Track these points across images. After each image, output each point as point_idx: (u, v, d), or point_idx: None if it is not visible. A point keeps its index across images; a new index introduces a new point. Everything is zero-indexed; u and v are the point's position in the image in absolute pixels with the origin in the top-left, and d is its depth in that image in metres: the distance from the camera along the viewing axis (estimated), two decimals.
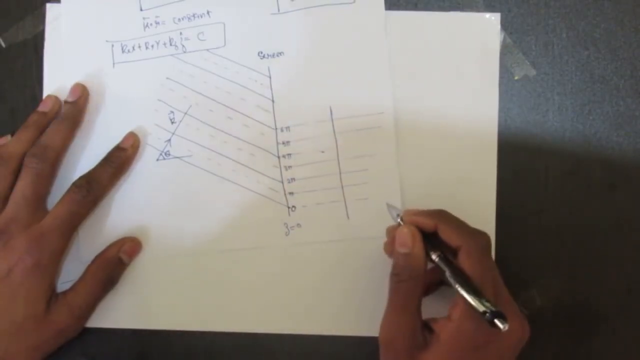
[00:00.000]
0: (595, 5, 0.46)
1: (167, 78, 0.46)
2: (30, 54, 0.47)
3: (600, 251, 0.45)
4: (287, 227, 0.45)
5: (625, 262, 0.45)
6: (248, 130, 0.46)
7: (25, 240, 0.41)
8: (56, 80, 0.46)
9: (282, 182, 0.45)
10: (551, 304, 0.45)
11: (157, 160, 0.46)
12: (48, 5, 0.47)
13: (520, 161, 0.46)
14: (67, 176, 0.45)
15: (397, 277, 0.39)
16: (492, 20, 0.46)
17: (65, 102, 0.45)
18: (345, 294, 0.45)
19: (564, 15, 0.46)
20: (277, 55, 0.46)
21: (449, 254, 0.39)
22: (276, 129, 0.46)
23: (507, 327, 0.34)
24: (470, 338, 0.37)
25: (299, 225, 0.45)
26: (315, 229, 0.45)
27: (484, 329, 0.36)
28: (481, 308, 0.35)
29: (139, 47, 0.46)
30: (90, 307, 0.44)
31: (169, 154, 0.46)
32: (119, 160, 0.44)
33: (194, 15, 0.46)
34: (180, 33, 0.46)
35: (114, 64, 0.46)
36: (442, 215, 0.40)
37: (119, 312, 0.45)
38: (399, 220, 0.40)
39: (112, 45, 0.46)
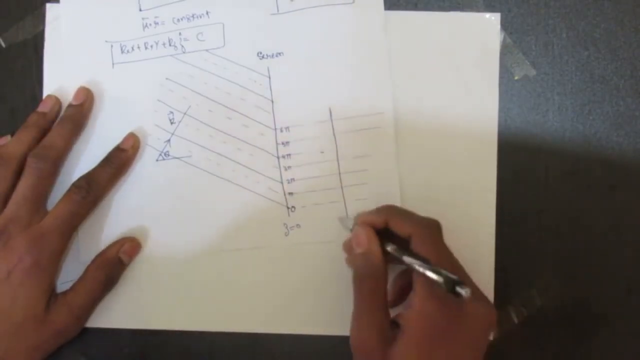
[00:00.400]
0: (595, 5, 0.46)
1: (167, 78, 0.46)
2: (30, 54, 0.47)
3: (600, 251, 0.45)
4: (286, 227, 0.45)
5: (625, 262, 0.45)
6: (247, 130, 0.46)
7: (25, 241, 0.41)
8: (56, 80, 0.46)
9: (282, 183, 0.45)
10: (551, 304, 0.45)
11: (157, 160, 0.46)
12: (48, 5, 0.47)
13: (520, 161, 0.45)
14: (67, 176, 0.45)
15: (359, 277, 0.39)
16: (492, 20, 0.46)
17: (69, 105, 0.45)
18: (345, 294, 0.45)
19: (564, 15, 0.46)
20: (277, 56, 0.46)
21: (404, 246, 0.39)
22: (276, 129, 0.46)
23: (469, 293, 0.34)
24: (435, 322, 0.36)
25: (298, 225, 0.45)
26: (315, 229, 0.45)
27: (447, 310, 0.36)
28: (440, 278, 0.35)
29: (138, 47, 0.46)
30: (90, 307, 0.44)
31: (169, 155, 0.46)
32: (119, 160, 0.44)
33: (193, 16, 0.46)
34: (180, 33, 0.46)
35: (113, 64, 0.46)
36: (390, 209, 0.41)
37: (118, 312, 0.45)
38: (350, 227, 0.41)
39: (112, 46, 0.46)
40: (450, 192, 0.45)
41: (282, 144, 0.45)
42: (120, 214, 0.45)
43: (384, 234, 0.40)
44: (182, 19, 0.46)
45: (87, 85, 0.46)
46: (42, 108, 0.45)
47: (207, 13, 0.46)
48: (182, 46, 0.46)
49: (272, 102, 0.46)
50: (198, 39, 0.46)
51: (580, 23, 0.46)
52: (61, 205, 0.42)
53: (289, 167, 0.45)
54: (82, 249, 0.45)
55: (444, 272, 0.35)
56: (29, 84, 0.47)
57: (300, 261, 0.45)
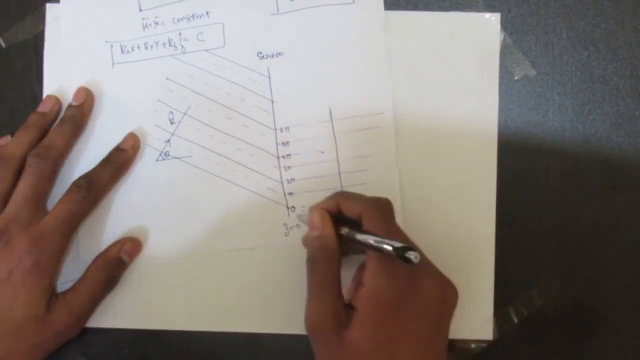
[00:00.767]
0: (595, 5, 0.46)
1: (167, 78, 0.46)
2: (30, 54, 0.47)
3: (600, 251, 0.45)
4: (286, 227, 0.45)
5: (625, 262, 0.45)
6: (247, 130, 0.46)
7: (25, 241, 0.41)
8: (56, 80, 0.46)
9: (282, 183, 0.45)
10: (551, 304, 0.45)
11: (157, 160, 0.46)
12: (48, 5, 0.47)
13: (520, 161, 0.45)
14: (67, 176, 0.45)
15: (312, 259, 0.39)
16: (492, 20, 0.46)
17: (70, 105, 0.45)
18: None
19: (564, 15, 0.46)
20: (277, 56, 0.46)
21: (357, 228, 0.39)
22: (276, 129, 0.46)
23: (419, 258, 0.34)
24: (387, 298, 0.36)
25: (298, 225, 0.45)
26: None
27: (397, 284, 0.36)
28: (389, 247, 0.35)
29: (138, 47, 0.46)
30: (91, 307, 0.44)
31: (169, 155, 0.46)
32: (120, 160, 0.45)
33: (193, 16, 0.46)
34: (180, 33, 0.46)
35: (113, 64, 0.46)
36: (341, 194, 0.42)
37: (119, 312, 0.45)
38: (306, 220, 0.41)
39: (112, 46, 0.46)
40: (450, 192, 0.45)
41: (282, 144, 0.45)
42: (121, 214, 0.45)
43: (338, 221, 0.40)
44: (182, 19, 0.46)
45: (87, 85, 0.46)
46: (42, 108, 0.45)
47: (207, 13, 0.46)
48: (182, 46, 0.46)
49: (272, 102, 0.46)
50: (198, 39, 0.46)
51: (580, 23, 0.46)
52: (61, 204, 0.42)
53: (289, 167, 0.45)
54: (82, 248, 0.45)
55: (393, 242, 0.35)
56: (29, 84, 0.47)
57: (300, 261, 0.45)
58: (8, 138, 0.45)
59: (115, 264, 0.44)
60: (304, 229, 0.45)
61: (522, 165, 0.45)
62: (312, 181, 0.45)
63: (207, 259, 0.45)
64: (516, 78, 0.46)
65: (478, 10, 0.46)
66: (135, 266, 0.45)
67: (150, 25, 0.46)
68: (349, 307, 0.38)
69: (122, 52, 0.46)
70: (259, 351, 0.45)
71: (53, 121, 0.45)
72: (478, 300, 0.45)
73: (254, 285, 0.45)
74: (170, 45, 0.46)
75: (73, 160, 0.46)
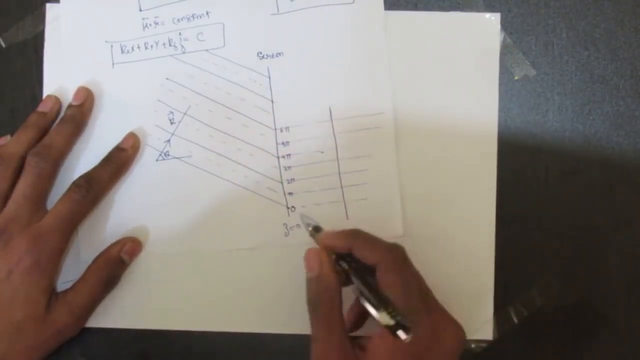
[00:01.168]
0: (595, 5, 0.46)
1: (167, 78, 0.46)
2: (30, 54, 0.47)
3: (600, 251, 0.45)
4: (286, 227, 0.45)
5: (625, 261, 0.45)
6: (247, 130, 0.46)
7: (25, 240, 0.41)
8: (56, 80, 0.46)
9: (282, 183, 0.45)
10: (551, 304, 0.45)
11: (157, 160, 0.46)
12: (48, 5, 0.47)
13: (520, 161, 0.45)
14: (67, 176, 0.45)
15: (313, 301, 0.38)
16: (492, 20, 0.46)
17: (70, 105, 0.45)
18: (345, 295, 0.45)
19: (564, 15, 0.46)
20: (277, 56, 0.46)
21: (367, 272, 0.38)
22: (276, 129, 0.46)
23: (410, 338, 0.33)
24: (407, 351, 0.36)
25: (298, 225, 0.45)
26: None
27: (422, 340, 0.35)
28: (383, 321, 0.34)
29: (138, 47, 0.46)
30: (91, 307, 0.44)
31: (169, 155, 0.46)
32: (120, 160, 0.45)
33: (193, 16, 0.46)
34: (180, 33, 0.46)
35: (113, 64, 0.46)
36: (355, 234, 0.39)
37: (119, 312, 0.45)
38: (310, 229, 0.41)
39: (112, 46, 0.46)
40: (450, 191, 0.45)
41: (282, 144, 0.45)
42: (121, 214, 0.45)
43: (346, 258, 0.39)
44: (182, 19, 0.46)
45: (87, 85, 0.46)
46: (42, 108, 0.45)
47: (207, 13, 0.46)
48: (182, 46, 0.46)
49: (272, 102, 0.46)
50: (198, 39, 0.46)
51: (580, 23, 0.46)
52: (61, 204, 0.42)
53: (289, 167, 0.45)
54: (83, 248, 0.45)
55: (386, 317, 0.34)
56: (29, 84, 0.47)
57: (300, 261, 0.45)
58: (8, 138, 0.45)
59: (116, 263, 0.44)
60: (304, 230, 0.45)
61: (522, 165, 0.45)
62: (312, 181, 0.45)
63: (207, 259, 0.45)
64: (516, 78, 0.46)
65: (478, 10, 0.46)
66: (135, 266, 0.45)
67: (150, 25, 0.46)
68: (357, 346, 0.37)
69: (122, 52, 0.46)
70: (259, 351, 0.45)
71: (53, 121, 0.45)
72: (478, 300, 0.45)
73: (254, 285, 0.45)
74: (170, 45, 0.46)
75: (73, 160, 0.46)
